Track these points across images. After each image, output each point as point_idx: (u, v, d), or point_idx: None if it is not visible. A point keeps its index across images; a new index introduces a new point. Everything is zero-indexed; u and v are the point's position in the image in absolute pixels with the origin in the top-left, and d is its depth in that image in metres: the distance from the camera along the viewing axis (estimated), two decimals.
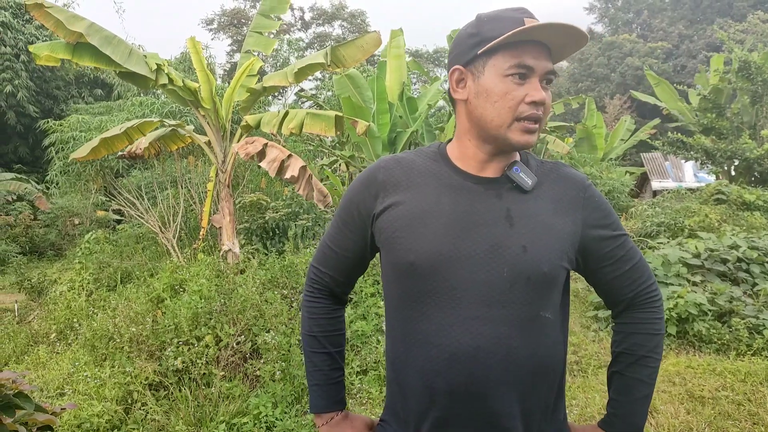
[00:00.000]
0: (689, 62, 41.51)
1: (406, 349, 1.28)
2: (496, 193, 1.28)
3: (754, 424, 3.71)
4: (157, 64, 5.56)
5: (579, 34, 1.19)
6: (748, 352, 4.89)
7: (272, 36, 7.34)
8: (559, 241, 1.27)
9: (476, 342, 1.21)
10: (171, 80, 5.65)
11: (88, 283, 6.72)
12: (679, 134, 14.82)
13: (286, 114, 5.64)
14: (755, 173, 14.05)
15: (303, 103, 19.83)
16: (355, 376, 4.28)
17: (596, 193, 1.36)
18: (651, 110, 32.14)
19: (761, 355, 4.80)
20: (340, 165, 12.00)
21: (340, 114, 5.55)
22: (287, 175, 5.24)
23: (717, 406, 3.97)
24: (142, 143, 5.93)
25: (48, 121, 9.36)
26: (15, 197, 15.99)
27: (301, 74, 5.80)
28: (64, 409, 2.57)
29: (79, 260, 7.22)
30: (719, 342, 5.10)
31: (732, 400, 4.04)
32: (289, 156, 5.37)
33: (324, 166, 12.73)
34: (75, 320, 5.77)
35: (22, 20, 18.55)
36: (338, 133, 5.90)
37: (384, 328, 1.45)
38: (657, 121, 18.92)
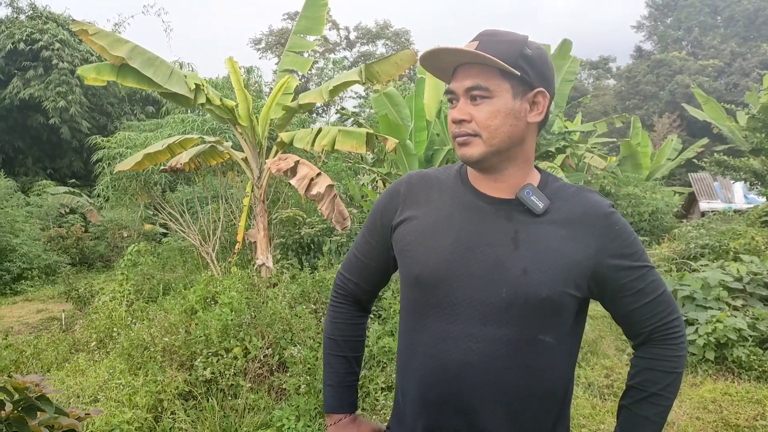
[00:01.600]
0: (742, 80, 40.27)
1: (409, 358, 1.35)
2: (506, 214, 1.30)
3: None
4: (195, 83, 5.75)
5: (470, 54, 1.24)
6: None
7: (308, 55, 7.50)
8: (566, 268, 1.25)
9: (467, 358, 1.24)
10: (209, 99, 5.84)
11: (129, 293, 6.94)
12: (725, 155, 14.36)
13: (319, 131, 5.76)
14: None
15: (344, 121, 20.09)
16: (380, 392, 4.29)
17: (619, 221, 1.32)
18: (701, 129, 31.29)
19: None
20: (378, 183, 12.10)
21: (372, 131, 5.63)
22: (313, 192, 5.34)
23: None
24: (182, 158, 6.13)
25: (96, 137, 9.76)
26: (68, 210, 16.69)
27: (336, 91, 5.91)
28: (89, 414, 2.66)
29: (121, 272, 7.46)
30: (760, 369, 4.90)
31: None
32: (318, 174, 5.48)
33: (365, 185, 12.85)
34: (114, 329, 5.96)
35: (78, 38, 19.46)
36: (376, 150, 5.95)
37: None
38: (705, 140, 18.41)
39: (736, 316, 5.30)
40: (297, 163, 5.52)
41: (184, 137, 6.48)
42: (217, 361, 4.32)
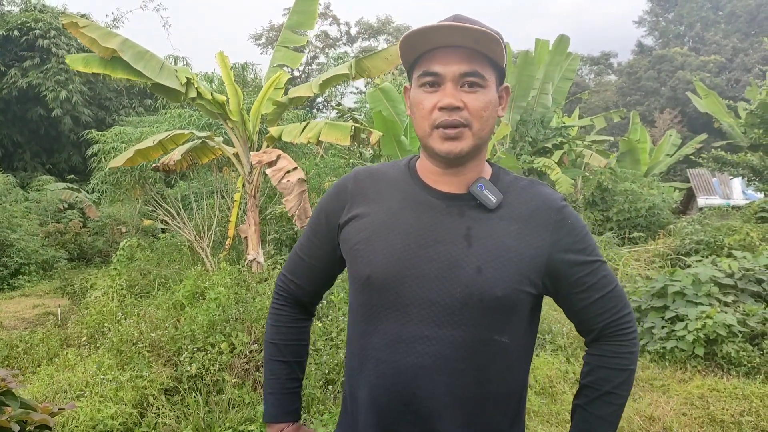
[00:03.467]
0: (743, 76, 40.14)
1: (360, 363, 1.28)
2: (458, 210, 1.24)
3: None
4: (187, 77, 5.74)
5: (474, 32, 1.13)
6: None
7: (300, 51, 7.48)
8: (520, 265, 1.21)
9: (420, 361, 1.20)
10: (200, 94, 5.82)
11: (122, 288, 6.92)
12: (723, 151, 14.33)
13: (307, 125, 5.75)
14: None
15: (343, 117, 20.10)
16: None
17: (571, 215, 1.29)
18: (702, 125, 31.23)
19: None
20: None
21: (357, 125, 5.62)
22: (284, 182, 5.30)
23: (738, 431, 3.81)
24: (174, 156, 6.12)
25: (91, 131, 9.74)
26: (67, 205, 16.69)
27: (326, 85, 5.90)
28: (63, 409, 2.66)
29: (114, 267, 7.46)
30: (749, 365, 4.89)
31: (755, 426, 3.88)
32: (295, 168, 5.46)
33: None
34: (105, 325, 5.95)
35: None
36: (375, 145, 5.95)
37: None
38: (704, 136, 18.38)
39: (726, 312, 5.29)
40: (279, 156, 5.51)
41: (174, 133, 6.47)
42: (202, 357, 4.31)
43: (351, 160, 12.99)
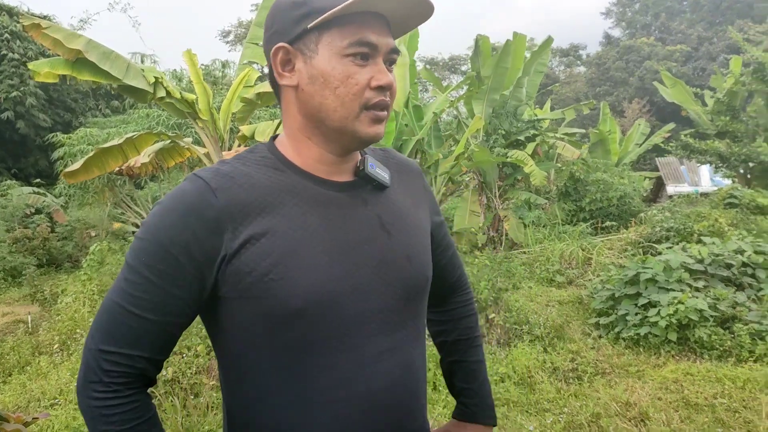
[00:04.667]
0: (709, 65, 40.94)
1: (303, 416, 1.01)
2: (361, 199, 1.07)
3: (748, 431, 3.63)
4: (155, 77, 5.64)
5: (424, 4, 1.00)
6: (750, 359, 4.78)
7: None
8: (426, 239, 1.17)
9: (391, 378, 1.05)
10: (168, 93, 5.73)
11: (93, 294, 6.81)
12: (691, 138, 14.62)
13: (280, 123, 5.68)
14: None
15: None
16: None
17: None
18: (670, 114, 31.77)
19: (763, 362, 4.70)
20: None
21: None
22: None
23: (712, 414, 3.89)
24: (140, 159, 6.01)
25: (56, 135, 9.53)
26: (33, 210, 16.32)
27: None
28: (36, 418, 2.60)
29: (84, 272, 7.33)
30: (720, 348, 5.00)
31: (728, 407, 3.95)
32: None
33: None
34: (77, 331, 5.85)
35: None
36: None
37: (230, 395, 1.08)
38: (672, 125, 18.71)
39: (697, 297, 5.39)
40: None
41: (141, 133, 6.35)
42: (179, 360, 4.26)
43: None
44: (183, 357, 4.29)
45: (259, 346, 1.00)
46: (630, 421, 3.86)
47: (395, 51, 1.02)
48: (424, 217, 1.20)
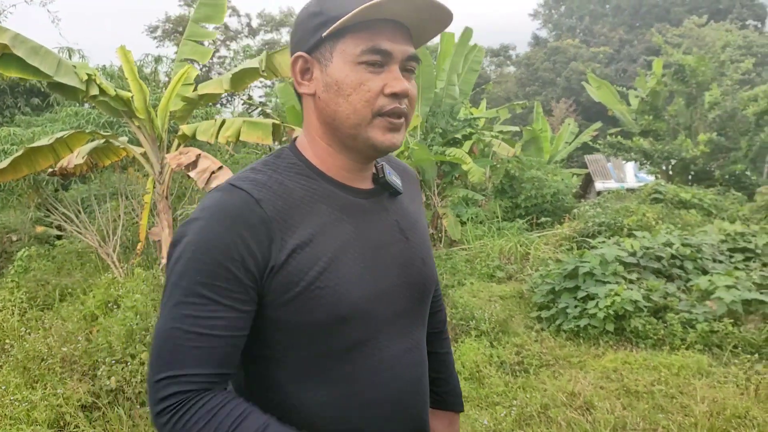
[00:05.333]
0: (630, 66, 42.92)
1: (335, 420, 1.03)
2: (382, 206, 1.11)
3: (686, 416, 3.83)
4: (87, 74, 5.39)
5: (441, 10, 1.00)
6: (682, 346, 5.05)
7: (210, 45, 7.22)
8: (429, 241, 1.25)
9: (414, 376, 1.12)
10: (102, 91, 5.49)
11: (22, 302, 6.44)
12: (619, 137, 15.31)
13: (223, 123, 5.56)
14: (691, 172, 14.62)
15: (251, 111, 19.64)
16: None
17: None
18: (596, 113, 33.07)
19: (694, 349, 4.97)
20: None
21: (278, 122, 5.50)
22: (212, 185, 5.12)
23: (652, 400, 4.08)
24: (73, 159, 5.73)
25: None
26: None
27: (238, 81, 5.70)
28: None
29: (11, 279, 6.93)
30: (655, 337, 5.26)
31: (666, 394, 4.16)
32: (220, 167, 5.28)
33: None
34: (7, 341, 5.52)
35: None
36: (284, 140, 5.83)
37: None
38: (599, 124, 19.50)
39: (632, 289, 5.64)
40: (199, 156, 5.29)
41: (72, 132, 6.06)
42: (122, 369, 4.09)
43: (263, 156, 12.74)
44: (127, 365, 4.13)
45: (298, 352, 1.01)
46: (576, 410, 4.00)
47: (413, 58, 1.02)
48: (425, 220, 1.27)
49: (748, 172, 14.04)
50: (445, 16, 1.02)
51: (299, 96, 1.09)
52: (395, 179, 1.15)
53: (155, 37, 36.06)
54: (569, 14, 57.27)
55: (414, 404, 1.12)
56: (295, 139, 1.13)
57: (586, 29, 53.41)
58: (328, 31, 0.97)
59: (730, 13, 46.23)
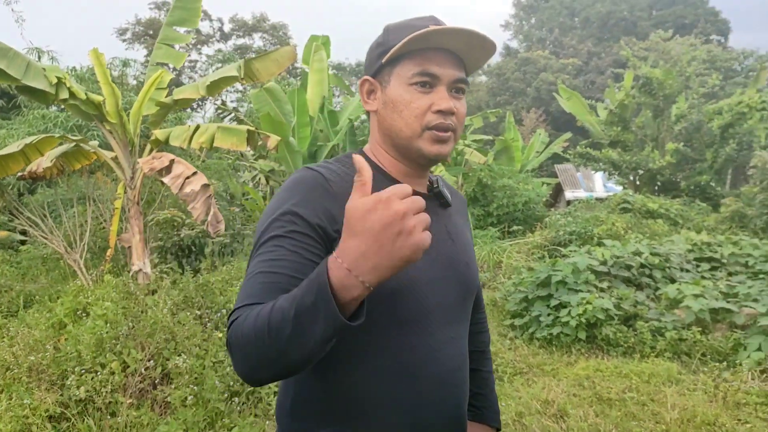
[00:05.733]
0: (598, 78, 43.76)
1: (387, 389, 1.14)
2: (433, 210, 1.22)
3: (657, 423, 3.90)
4: (57, 77, 5.27)
5: (483, 41, 1.15)
6: (652, 354, 5.14)
7: (183, 49, 7.14)
8: (474, 254, 1.38)
9: (455, 363, 1.23)
10: (73, 94, 5.37)
11: None
12: (588, 148, 15.58)
13: (197, 128, 5.49)
14: (658, 183, 14.94)
15: (223, 116, 19.48)
16: (273, 396, 4.18)
17: None
18: (565, 123, 33.60)
19: (663, 356, 5.07)
20: (260, 179, 11.82)
21: (253, 128, 5.45)
22: (186, 190, 5.02)
23: (624, 408, 4.14)
24: (42, 162, 5.59)
25: None
26: None
27: (214, 87, 5.65)
28: None
29: None
30: (625, 345, 5.34)
31: (637, 401, 4.23)
32: (194, 173, 5.20)
33: (246, 182, 12.50)
34: None
35: None
36: (254, 146, 5.79)
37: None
38: (569, 134, 19.81)
39: (603, 297, 5.73)
40: (172, 161, 5.21)
41: (42, 137, 5.91)
42: (92, 378, 3.99)
43: (235, 162, 12.63)
44: (97, 375, 4.02)
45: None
46: (550, 418, 4.03)
47: (461, 81, 1.18)
48: (470, 234, 1.42)
49: (712, 183, 14.42)
50: (488, 45, 1.17)
51: (368, 113, 1.28)
52: (447, 192, 1.30)
53: (124, 40, 35.53)
54: (539, 26, 58.21)
55: (455, 391, 1.22)
56: (361, 148, 1.32)
57: (555, 41, 54.32)
58: (386, 57, 1.16)
59: (695, 28, 47.53)
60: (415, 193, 1.11)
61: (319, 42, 10.43)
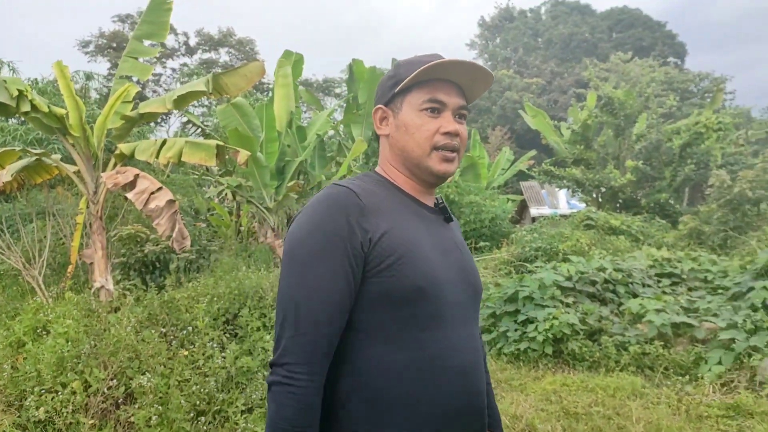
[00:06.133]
0: (561, 97, 44.75)
1: (414, 379, 1.23)
2: (439, 223, 1.40)
3: None
4: (18, 89, 5.15)
5: (483, 72, 1.32)
6: (617, 368, 5.22)
7: (151, 62, 7.05)
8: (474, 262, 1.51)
9: (473, 359, 1.33)
10: (35, 107, 5.25)
11: None
12: (552, 166, 15.88)
13: (164, 142, 5.41)
14: (619, 200, 15.30)
15: (190, 130, 19.22)
16: (240, 415, 4.11)
17: None
18: (529, 141, 34.20)
19: (628, 370, 5.15)
20: (226, 194, 11.69)
21: (222, 143, 5.40)
22: (151, 206, 4.93)
23: (590, 422, 4.19)
24: (2, 176, 5.43)
25: None
26: None
27: (182, 101, 5.58)
28: None
29: None
30: (591, 359, 5.42)
31: (603, 415, 4.28)
32: (160, 188, 5.12)
33: (211, 197, 12.34)
34: None
35: None
36: (223, 161, 5.73)
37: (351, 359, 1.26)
38: (534, 152, 20.18)
39: (569, 313, 5.82)
40: (137, 176, 5.11)
41: (1, 150, 5.75)
42: (52, 399, 3.86)
43: (201, 177, 12.47)
44: (57, 395, 3.90)
45: (387, 316, 1.23)
46: None
47: (463, 108, 1.36)
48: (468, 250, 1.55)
49: (671, 201, 14.83)
50: (487, 77, 1.34)
51: (377, 137, 1.44)
52: (448, 208, 1.46)
53: (87, 53, 34.90)
54: (504, 45, 59.37)
55: (477, 383, 1.32)
56: (373, 169, 1.45)
57: (520, 60, 55.45)
58: (399, 87, 1.32)
59: (653, 50, 49.13)
60: (425, 206, 1.38)
61: (293, 58, 10.44)
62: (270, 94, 9.90)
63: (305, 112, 24.68)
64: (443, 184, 12.47)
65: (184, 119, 22.09)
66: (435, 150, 1.31)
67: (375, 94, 1.47)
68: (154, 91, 35.61)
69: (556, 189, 20.02)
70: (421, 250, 1.25)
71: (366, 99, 12.31)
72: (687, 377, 4.91)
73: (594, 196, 16.16)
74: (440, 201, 1.45)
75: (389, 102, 1.36)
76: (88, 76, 12.82)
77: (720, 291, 6.52)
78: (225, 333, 5.14)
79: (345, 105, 12.20)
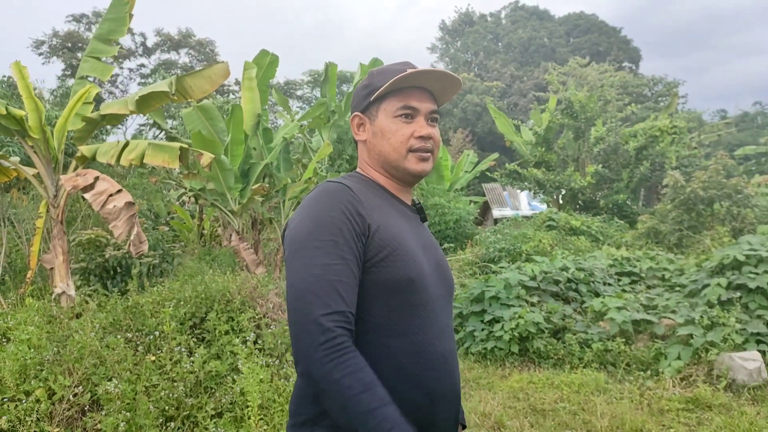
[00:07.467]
0: (521, 100, 45.47)
1: (411, 362, 1.31)
2: (417, 221, 1.50)
3: (589, 431, 4.06)
4: None
5: (452, 79, 1.43)
6: (580, 365, 5.36)
7: (110, 62, 6.91)
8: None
9: (452, 346, 1.44)
10: None
11: None
12: (515, 166, 16.14)
13: (126, 144, 5.31)
14: (579, 201, 15.64)
15: (150, 132, 18.85)
16: (209, 420, 4.07)
17: None
18: (490, 144, 34.64)
19: (591, 367, 5.29)
20: (189, 197, 11.52)
21: (185, 145, 5.33)
22: (109, 207, 4.82)
23: (557, 418, 4.29)
24: None
25: None
26: None
27: (144, 103, 5.48)
28: None
29: None
30: (556, 357, 5.54)
31: (569, 411, 4.39)
32: (119, 191, 5.01)
33: (171, 200, 12.15)
34: None
35: None
36: (184, 164, 5.64)
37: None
38: (496, 155, 20.46)
39: (534, 312, 5.93)
40: (97, 179, 5.00)
41: None
42: (15, 407, 3.76)
43: (162, 180, 12.26)
44: (21, 403, 3.79)
45: (381, 305, 1.30)
46: (488, 430, 4.13)
47: (435, 112, 1.45)
48: None
49: (629, 202, 15.24)
50: (456, 83, 1.45)
51: (356, 142, 1.53)
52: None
53: (41, 53, 33.91)
54: (464, 49, 60.00)
55: (455, 368, 1.42)
56: (356, 170, 1.54)
57: (480, 64, 56.13)
58: (374, 96, 1.42)
59: (609, 55, 50.35)
60: (405, 204, 1.49)
61: (268, 59, 10.34)
62: (229, 96, 9.78)
63: (272, 114, 24.46)
64: None
65: (142, 121, 21.69)
66: (411, 152, 1.41)
67: (351, 101, 1.56)
68: (110, 92, 34.84)
69: (518, 191, 20.35)
70: (408, 244, 1.35)
71: (336, 101, 12.31)
72: (648, 372, 5.07)
73: (555, 197, 16.48)
74: (417, 202, 1.55)
75: (365, 110, 1.45)
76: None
77: (677, 288, 6.74)
78: (192, 337, 5.07)
79: (308, 107, 12.15)
